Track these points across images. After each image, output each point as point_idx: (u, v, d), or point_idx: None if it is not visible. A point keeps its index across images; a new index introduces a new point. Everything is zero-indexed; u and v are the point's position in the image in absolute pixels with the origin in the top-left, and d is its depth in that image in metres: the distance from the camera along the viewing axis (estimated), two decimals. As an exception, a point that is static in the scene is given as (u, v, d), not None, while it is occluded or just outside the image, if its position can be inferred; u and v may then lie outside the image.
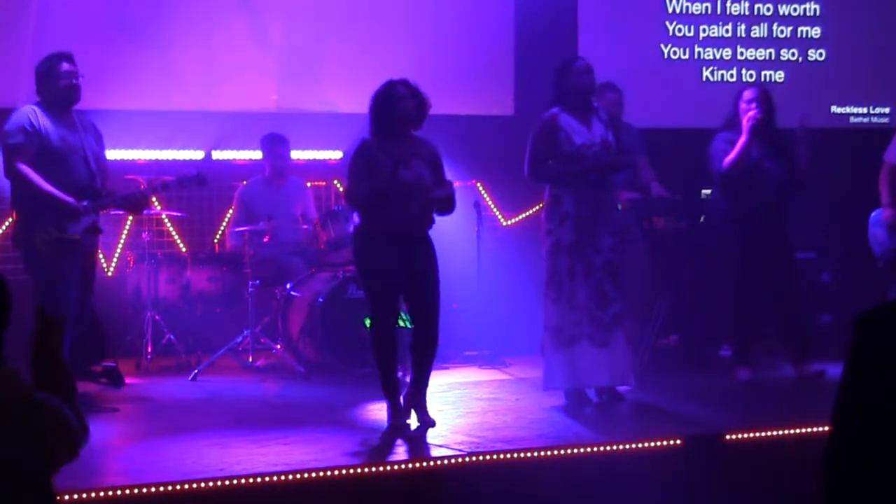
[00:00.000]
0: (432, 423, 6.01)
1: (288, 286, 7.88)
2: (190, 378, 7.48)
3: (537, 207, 9.04)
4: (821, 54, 9.62)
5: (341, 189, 8.91)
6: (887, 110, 9.71)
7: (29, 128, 6.25)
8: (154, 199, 7.78)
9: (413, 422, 6.04)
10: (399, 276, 5.98)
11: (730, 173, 7.25)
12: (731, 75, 9.46)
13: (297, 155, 8.61)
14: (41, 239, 6.22)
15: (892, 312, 2.18)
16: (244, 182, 8.53)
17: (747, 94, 7.37)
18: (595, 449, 5.47)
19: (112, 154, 8.07)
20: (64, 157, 6.32)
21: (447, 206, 6.12)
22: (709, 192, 8.01)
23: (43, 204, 6.25)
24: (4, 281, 2.42)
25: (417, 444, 5.68)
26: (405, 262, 5.99)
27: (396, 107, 5.99)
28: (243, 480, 4.86)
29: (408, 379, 6.83)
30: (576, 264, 6.45)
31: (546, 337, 6.54)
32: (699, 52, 9.43)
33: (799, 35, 9.60)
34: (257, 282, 7.80)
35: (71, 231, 6.30)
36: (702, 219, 7.97)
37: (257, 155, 8.54)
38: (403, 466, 5.24)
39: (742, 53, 9.50)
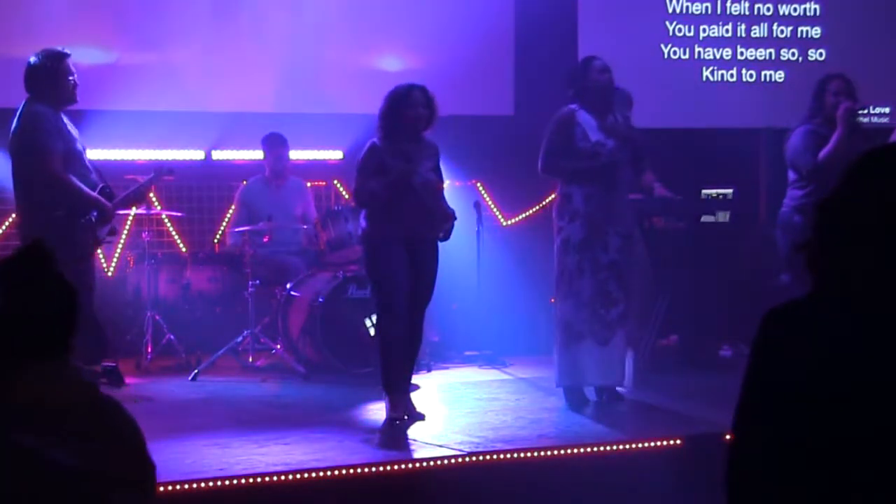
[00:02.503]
0: (422, 417, 6.07)
1: (288, 286, 7.88)
2: (190, 378, 7.47)
3: (537, 207, 9.06)
4: (821, 54, 9.62)
5: (342, 189, 8.92)
6: (887, 110, 9.72)
7: (55, 131, 6.08)
8: (151, 193, 7.75)
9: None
10: (407, 277, 6.05)
11: (826, 166, 6.95)
12: (731, 75, 9.46)
13: (297, 155, 8.62)
14: (86, 243, 6.17)
15: (800, 308, 2.15)
16: (245, 182, 8.54)
17: (834, 86, 7.12)
18: (595, 449, 5.47)
19: (112, 154, 8.10)
20: (80, 158, 6.24)
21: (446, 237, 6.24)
22: (711, 191, 7.99)
23: (82, 209, 6.15)
24: (74, 288, 2.44)
25: (417, 444, 5.68)
26: (411, 262, 6.06)
27: (411, 112, 6.05)
28: (243, 480, 4.86)
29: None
30: (583, 262, 6.47)
31: (557, 333, 6.57)
32: (699, 52, 9.43)
33: (799, 35, 9.60)
34: (257, 282, 7.80)
35: (101, 234, 6.31)
36: (707, 218, 7.92)
37: (257, 155, 8.55)
38: (403, 466, 5.24)
39: (742, 53, 9.51)
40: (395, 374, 6.10)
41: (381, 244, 6.07)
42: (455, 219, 6.26)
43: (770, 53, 9.55)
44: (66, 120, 6.31)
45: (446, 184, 6.47)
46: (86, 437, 2.30)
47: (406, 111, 6.05)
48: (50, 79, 6.20)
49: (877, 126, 9.51)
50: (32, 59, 6.25)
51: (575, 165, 6.47)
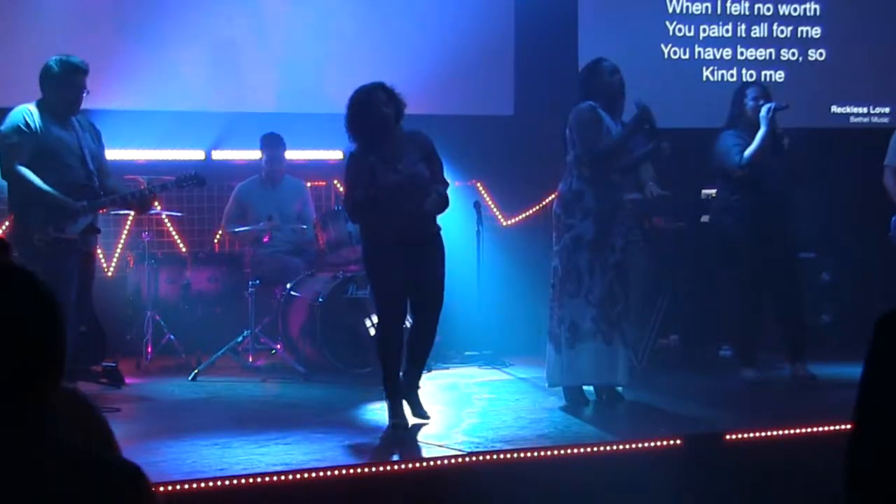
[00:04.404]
0: (426, 417, 6.06)
1: (288, 286, 7.88)
2: (190, 378, 7.48)
3: (537, 207, 9.06)
4: (821, 54, 9.62)
5: (342, 189, 8.92)
6: (887, 110, 9.71)
7: (24, 128, 6.22)
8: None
9: (408, 416, 6.07)
10: (405, 278, 5.98)
11: (751, 166, 7.18)
12: (731, 75, 9.46)
13: (297, 155, 8.61)
14: (39, 239, 6.21)
15: None
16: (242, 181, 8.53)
17: (752, 92, 7.39)
18: (595, 449, 5.47)
19: (112, 154, 8.05)
20: (60, 156, 6.30)
21: (440, 208, 6.08)
22: (711, 191, 8.00)
23: (41, 204, 6.23)
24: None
25: (417, 444, 5.68)
26: (411, 262, 5.96)
27: (375, 115, 5.92)
28: (243, 480, 4.86)
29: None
30: (595, 261, 6.45)
31: (560, 333, 6.52)
32: (699, 52, 9.43)
33: (799, 35, 9.60)
34: (257, 282, 7.80)
35: (69, 231, 6.29)
36: (705, 218, 7.96)
37: (257, 155, 8.54)
38: (403, 466, 5.23)
39: (742, 53, 9.51)
40: (393, 379, 6.07)
41: (375, 247, 6.01)
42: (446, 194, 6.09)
43: (770, 53, 9.55)
44: (75, 119, 6.38)
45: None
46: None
47: (369, 117, 5.91)
48: (53, 86, 6.31)
49: (877, 126, 9.52)
50: (50, 62, 6.35)
51: (617, 139, 6.44)
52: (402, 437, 5.81)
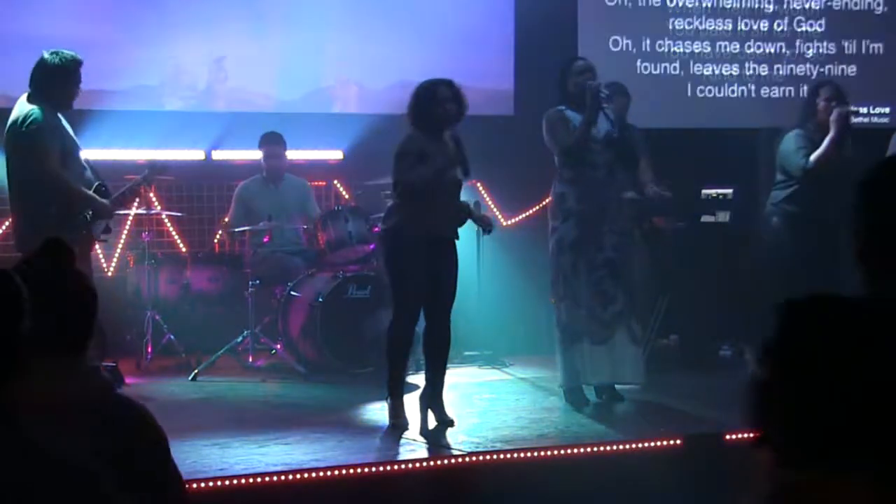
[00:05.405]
0: (451, 422, 6.01)
1: (288, 286, 7.88)
2: (190, 378, 7.47)
3: (537, 207, 9.05)
4: (821, 54, 9.62)
5: (342, 189, 8.91)
6: (887, 110, 9.71)
7: (53, 129, 6.04)
8: (151, 193, 7.75)
9: (431, 422, 6.05)
10: (426, 279, 5.97)
11: (816, 170, 7.09)
12: (731, 75, 9.46)
13: (297, 155, 8.61)
14: (75, 242, 6.12)
15: (822, 301, 2.14)
16: (243, 181, 8.52)
17: (826, 91, 7.24)
18: (595, 449, 5.47)
19: (112, 154, 8.10)
20: (74, 155, 6.19)
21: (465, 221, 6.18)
22: (711, 191, 8.00)
23: (77, 207, 6.09)
24: (94, 288, 2.45)
25: (417, 444, 5.68)
26: (432, 262, 5.97)
27: (439, 109, 5.98)
28: (243, 480, 4.86)
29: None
30: (579, 262, 6.46)
31: (557, 335, 6.55)
32: (699, 52, 9.43)
33: (799, 34, 9.60)
34: (257, 282, 7.80)
35: (95, 232, 6.26)
36: (707, 218, 7.94)
37: (257, 155, 8.54)
38: (403, 466, 5.24)
39: (742, 53, 9.50)
40: (397, 380, 6.06)
41: (403, 242, 5.97)
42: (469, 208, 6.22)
43: (770, 53, 9.55)
44: (61, 117, 6.27)
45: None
46: (97, 435, 2.29)
47: (434, 109, 5.98)
48: (62, 81, 6.15)
49: (877, 126, 9.51)
50: (48, 57, 6.16)
51: (579, 131, 6.40)
52: (401, 437, 5.81)
